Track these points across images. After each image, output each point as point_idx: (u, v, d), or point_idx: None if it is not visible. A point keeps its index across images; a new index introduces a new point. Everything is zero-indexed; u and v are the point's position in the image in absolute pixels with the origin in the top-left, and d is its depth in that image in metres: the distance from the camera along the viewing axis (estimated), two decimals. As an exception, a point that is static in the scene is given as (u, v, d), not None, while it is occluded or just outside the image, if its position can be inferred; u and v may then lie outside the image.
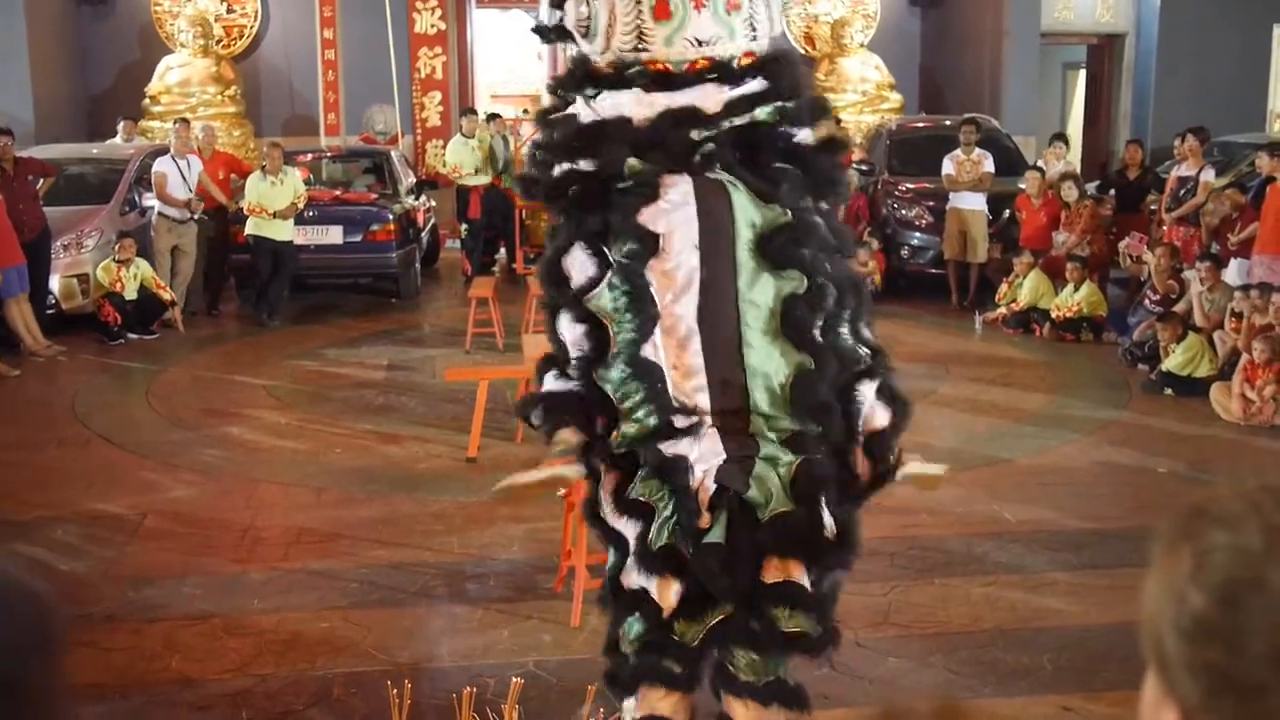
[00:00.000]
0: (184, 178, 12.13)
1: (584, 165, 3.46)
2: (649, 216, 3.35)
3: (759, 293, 3.37)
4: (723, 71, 3.54)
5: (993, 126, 14.57)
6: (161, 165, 12.18)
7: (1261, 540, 0.96)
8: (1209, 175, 11.26)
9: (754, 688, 3.43)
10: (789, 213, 3.42)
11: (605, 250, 3.39)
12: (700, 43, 3.57)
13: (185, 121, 12.99)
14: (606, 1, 3.58)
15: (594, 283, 3.37)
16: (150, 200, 12.33)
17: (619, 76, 3.53)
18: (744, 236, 3.37)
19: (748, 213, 3.39)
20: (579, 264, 3.40)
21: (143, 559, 6.08)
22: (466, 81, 18.63)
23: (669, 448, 3.31)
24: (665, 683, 3.40)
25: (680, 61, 3.55)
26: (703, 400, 3.32)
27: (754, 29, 3.69)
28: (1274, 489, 1.00)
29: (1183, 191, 11.32)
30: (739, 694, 3.43)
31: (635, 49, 3.54)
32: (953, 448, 7.84)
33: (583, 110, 3.54)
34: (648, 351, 3.31)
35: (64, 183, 12.06)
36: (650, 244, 3.32)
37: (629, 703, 3.49)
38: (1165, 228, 11.41)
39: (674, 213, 3.36)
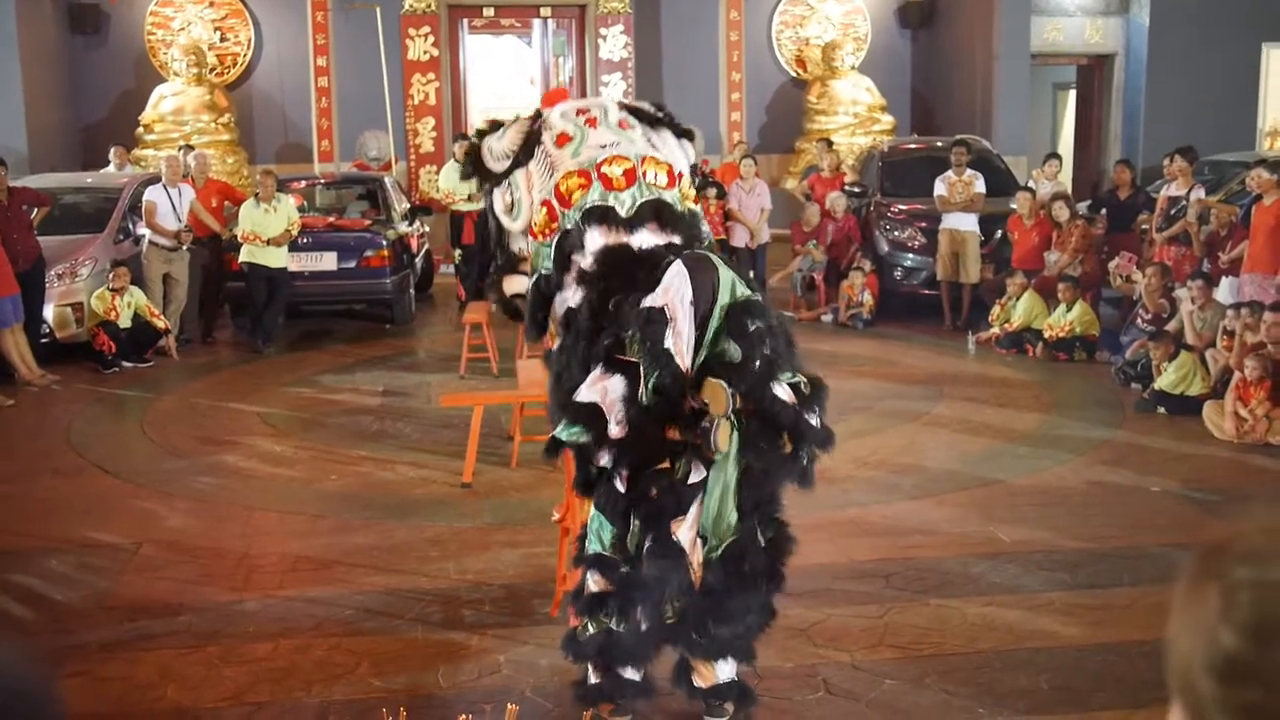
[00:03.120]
0: (174, 206, 12.15)
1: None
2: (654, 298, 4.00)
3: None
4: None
5: (984, 147, 14.63)
6: (152, 194, 12.20)
7: None
8: (1199, 195, 11.31)
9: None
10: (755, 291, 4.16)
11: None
12: (603, 146, 4.44)
13: (189, 148, 12.99)
14: (523, 180, 4.52)
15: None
16: (143, 229, 12.34)
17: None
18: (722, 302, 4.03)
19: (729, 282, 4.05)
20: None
21: (138, 588, 6.07)
22: (459, 107, 18.70)
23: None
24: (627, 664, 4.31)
25: (591, 161, 4.37)
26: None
27: (655, 147, 4.57)
28: None
29: (1173, 211, 11.37)
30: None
31: (550, 178, 4.41)
32: (947, 469, 7.86)
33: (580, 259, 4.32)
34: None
35: (58, 212, 12.08)
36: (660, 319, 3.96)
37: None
38: (1156, 247, 11.45)
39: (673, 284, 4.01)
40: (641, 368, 3.93)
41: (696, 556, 4.11)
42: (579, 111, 4.62)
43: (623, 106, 4.76)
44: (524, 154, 4.52)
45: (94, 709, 4.80)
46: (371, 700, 4.68)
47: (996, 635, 5.33)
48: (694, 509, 4.03)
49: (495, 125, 4.77)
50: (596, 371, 4.02)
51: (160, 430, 9.23)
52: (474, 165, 4.67)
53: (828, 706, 4.68)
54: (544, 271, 4.42)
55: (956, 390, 10.10)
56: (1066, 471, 7.83)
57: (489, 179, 4.64)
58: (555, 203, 4.38)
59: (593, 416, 3.99)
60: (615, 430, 3.98)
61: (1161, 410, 9.15)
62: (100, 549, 6.64)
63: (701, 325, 3.97)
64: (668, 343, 3.91)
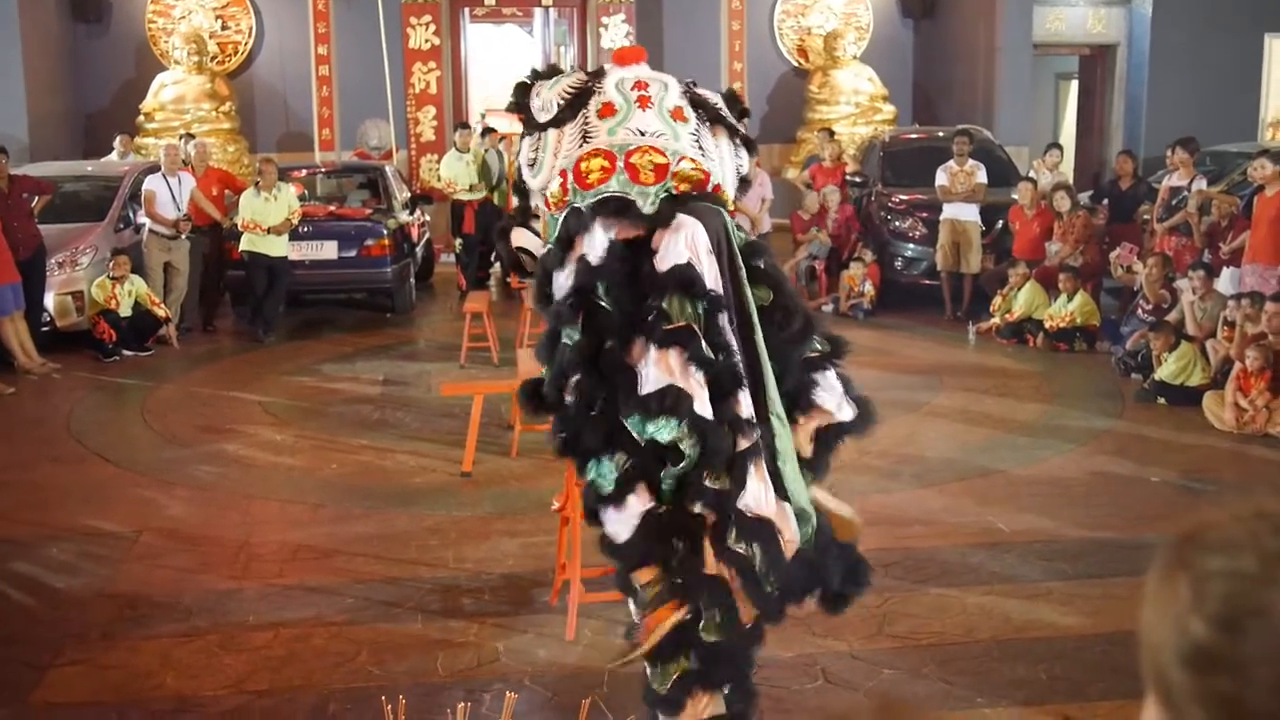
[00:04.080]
0: (174, 195, 12.14)
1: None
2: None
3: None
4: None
5: (985, 138, 14.60)
6: (151, 183, 12.20)
7: (1259, 565, 0.95)
8: (1201, 185, 11.30)
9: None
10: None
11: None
12: (643, 134, 4.06)
13: (190, 136, 12.95)
14: (554, 141, 4.17)
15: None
16: (144, 218, 12.34)
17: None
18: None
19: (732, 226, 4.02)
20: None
21: (138, 576, 6.08)
22: (460, 96, 18.67)
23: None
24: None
25: (623, 146, 4.03)
26: None
27: (702, 148, 4.21)
28: (1268, 513, 0.99)
29: (1175, 201, 11.37)
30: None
31: (581, 144, 4.08)
32: (947, 458, 7.86)
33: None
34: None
35: (59, 200, 12.07)
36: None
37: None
38: (1157, 238, 11.44)
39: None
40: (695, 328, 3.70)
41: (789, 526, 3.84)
42: (636, 84, 4.23)
43: (687, 92, 4.34)
44: (568, 111, 4.18)
45: (94, 697, 4.81)
46: (371, 688, 4.69)
47: (995, 625, 5.34)
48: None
49: (554, 70, 4.49)
50: (653, 352, 3.70)
51: (160, 419, 9.24)
52: (520, 105, 4.36)
53: (826, 695, 4.69)
54: (553, 245, 4.11)
55: (957, 380, 10.10)
56: (1066, 461, 7.84)
57: (529, 125, 4.32)
58: (571, 178, 4.05)
59: (679, 400, 3.65)
60: (704, 400, 3.69)
61: (1162, 400, 9.15)
62: (100, 537, 6.65)
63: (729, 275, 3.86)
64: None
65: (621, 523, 3.77)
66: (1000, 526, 6.58)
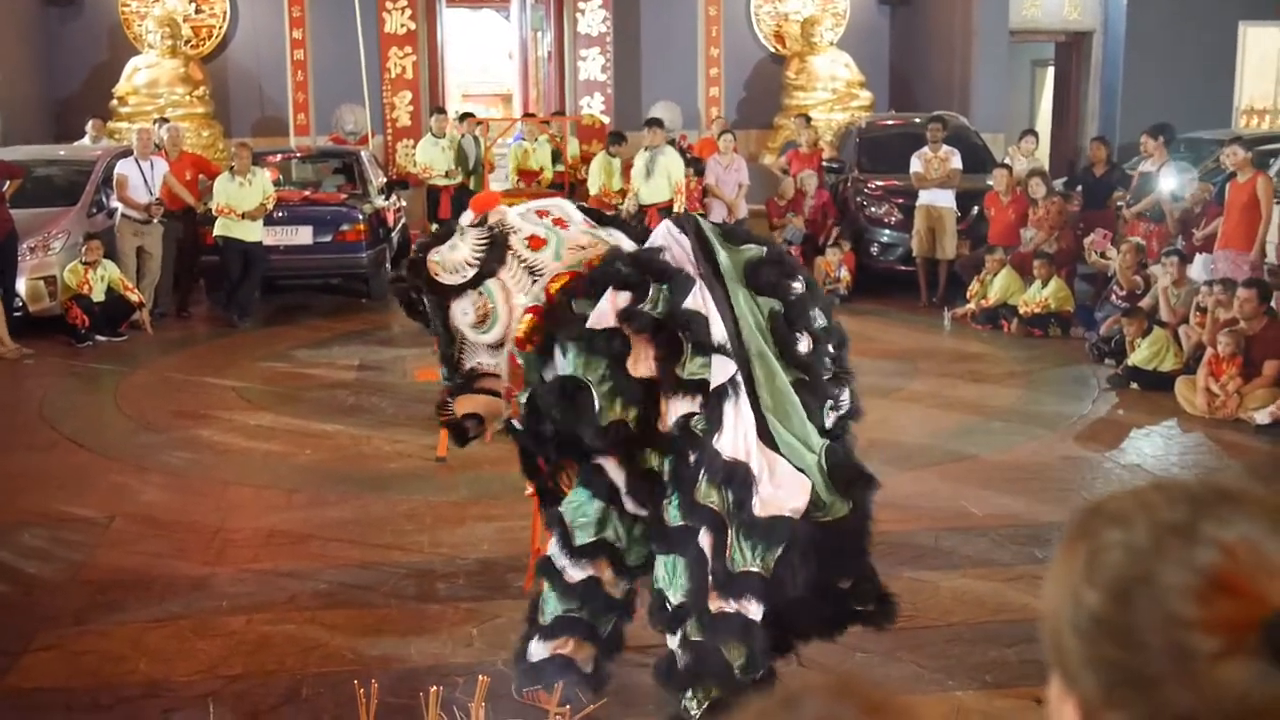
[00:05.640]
0: (146, 179, 12.07)
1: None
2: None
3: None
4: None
5: (961, 124, 14.64)
6: (123, 167, 12.13)
7: (1150, 537, 0.98)
8: (1171, 172, 11.33)
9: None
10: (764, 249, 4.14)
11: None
12: (584, 247, 4.15)
13: (164, 120, 12.87)
14: (499, 289, 4.12)
15: None
16: (116, 202, 12.27)
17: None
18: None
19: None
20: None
21: (111, 562, 6.06)
22: (437, 81, 18.61)
23: None
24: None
25: (578, 263, 4.07)
26: None
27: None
28: (1166, 487, 1.02)
29: (1145, 186, 11.42)
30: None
31: (533, 283, 4.08)
32: (921, 443, 7.89)
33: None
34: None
35: (30, 184, 11.98)
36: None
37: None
38: (1130, 224, 11.50)
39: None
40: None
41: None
42: (540, 213, 4.27)
43: (580, 208, 4.48)
44: (493, 260, 4.11)
45: (67, 682, 4.80)
46: (345, 673, 4.68)
47: (968, 608, 5.37)
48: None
49: (437, 238, 4.34)
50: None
51: (134, 404, 9.19)
52: (421, 285, 4.22)
53: (800, 679, 4.70)
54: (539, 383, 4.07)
55: (931, 365, 10.13)
56: (1040, 446, 7.88)
57: (442, 294, 4.19)
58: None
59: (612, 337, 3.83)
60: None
61: (1134, 386, 9.21)
62: (73, 523, 6.62)
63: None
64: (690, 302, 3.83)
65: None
66: (973, 511, 6.61)
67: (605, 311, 3.82)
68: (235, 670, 4.85)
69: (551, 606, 4.14)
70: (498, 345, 4.19)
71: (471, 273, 4.12)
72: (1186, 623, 0.94)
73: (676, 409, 3.80)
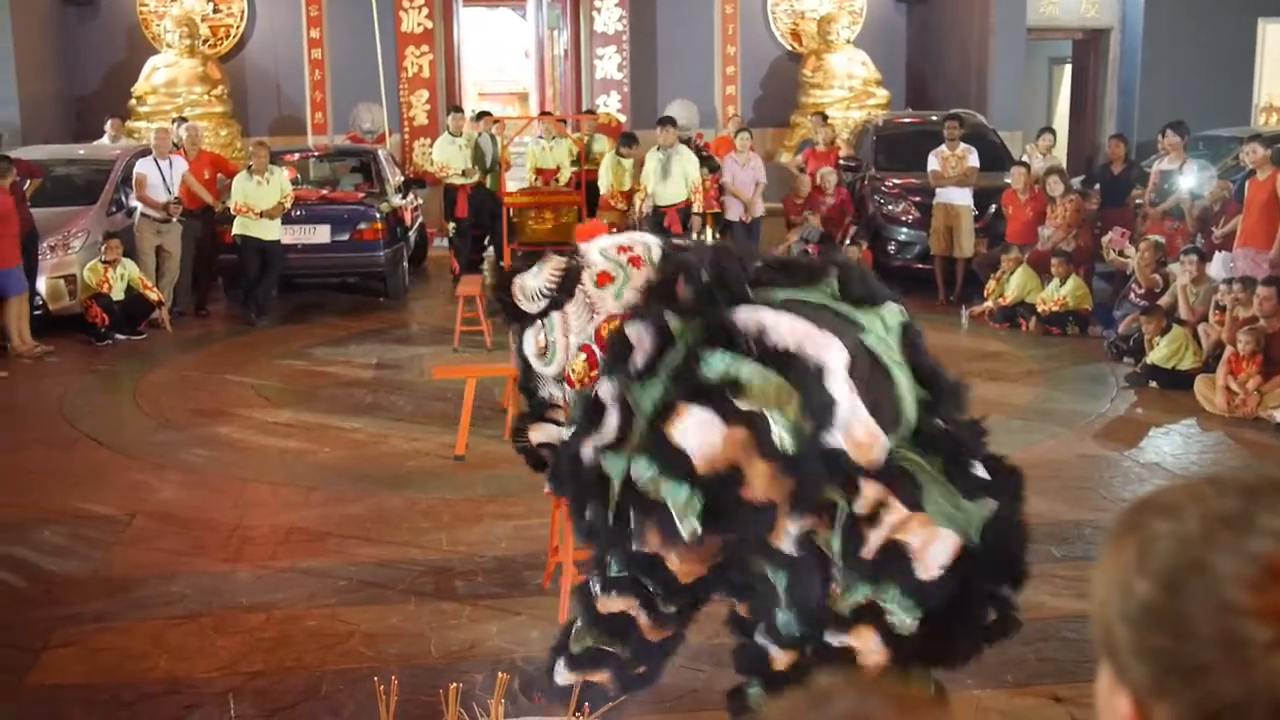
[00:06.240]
0: (164, 179, 12.11)
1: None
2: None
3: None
4: None
5: (978, 122, 14.61)
6: (142, 166, 12.17)
7: (1200, 527, 0.98)
8: (1192, 170, 11.29)
9: None
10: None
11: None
12: None
13: (182, 120, 12.92)
14: (560, 323, 3.99)
15: None
16: (135, 201, 12.31)
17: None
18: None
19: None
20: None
21: (131, 559, 6.09)
22: (454, 80, 18.64)
23: None
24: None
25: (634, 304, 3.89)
26: None
27: None
28: (1217, 480, 1.03)
29: (1165, 185, 11.38)
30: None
31: (589, 320, 3.93)
32: (939, 442, 7.86)
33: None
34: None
35: (50, 184, 12.05)
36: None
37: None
38: (1149, 222, 11.46)
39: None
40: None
41: None
42: (620, 249, 4.09)
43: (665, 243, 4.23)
44: (563, 293, 4.00)
45: (87, 679, 4.82)
46: (364, 670, 4.70)
47: (986, 607, 5.35)
48: None
49: (528, 261, 4.25)
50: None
51: (153, 402, 9.23)
52: (505, 305, 4.16)
53: (828, 677, 4.69)
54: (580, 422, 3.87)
55: (949, 364, 9.95)
56: (1058, 445, 7.86)
57: (521, 319, 4.12)
58: (596, 349, 3.91)
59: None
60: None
61: (1153, 384, 9.18)
62: (93, 520, 6.65)
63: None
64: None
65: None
66: (991, 509, 6.58)
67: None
68: (255, 667, 4.87)
69: (582, 637, 3.99)
70: (560, 379, 4.09)
71: (544, 304, 4.02)
72: (1239, 611, 0.94)
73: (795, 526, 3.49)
